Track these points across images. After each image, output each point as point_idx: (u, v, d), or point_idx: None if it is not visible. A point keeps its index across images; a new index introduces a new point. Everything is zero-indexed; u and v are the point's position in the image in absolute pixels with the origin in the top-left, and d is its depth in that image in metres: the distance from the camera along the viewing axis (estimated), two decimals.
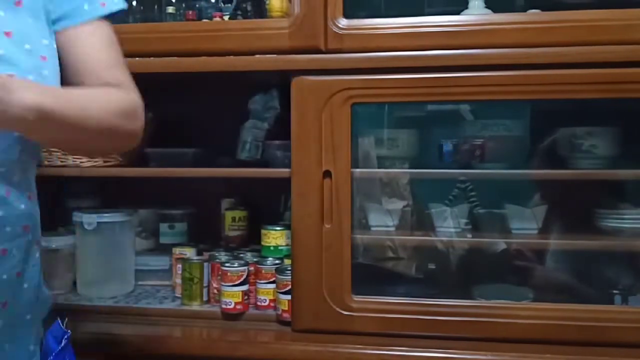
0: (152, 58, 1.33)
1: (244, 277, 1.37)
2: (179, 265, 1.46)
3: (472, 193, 1.49)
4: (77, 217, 1.47)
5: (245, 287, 1.37)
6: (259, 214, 1.59)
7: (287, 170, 1.30)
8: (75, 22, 0.90)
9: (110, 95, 0.86)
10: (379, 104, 1.42)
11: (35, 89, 0.74)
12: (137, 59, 1.34)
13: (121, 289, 1.50)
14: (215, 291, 1.42)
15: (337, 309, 1.27)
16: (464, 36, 1.23)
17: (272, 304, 1.37)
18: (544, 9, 1.26)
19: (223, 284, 1.37)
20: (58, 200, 1.68)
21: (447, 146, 1.43)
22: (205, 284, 1.43)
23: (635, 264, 1.40)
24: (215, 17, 1.40)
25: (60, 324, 0.92)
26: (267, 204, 1.58)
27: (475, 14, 1.29)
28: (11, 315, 0.84)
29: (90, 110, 0.81)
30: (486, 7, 1.30)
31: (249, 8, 1.41)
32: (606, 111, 1.35)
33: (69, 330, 0.94)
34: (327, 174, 1.27)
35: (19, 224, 0.84)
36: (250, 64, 1.30)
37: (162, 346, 1.28)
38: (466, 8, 1.32)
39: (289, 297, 1.31)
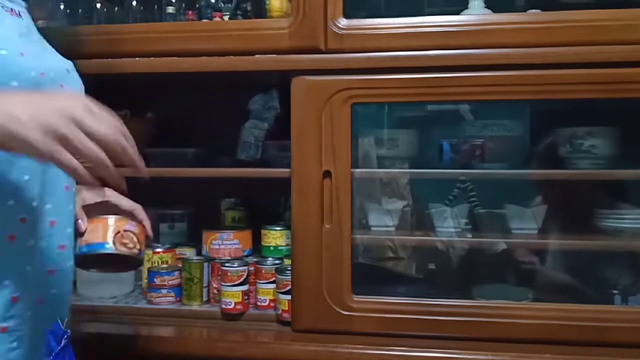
0: (152, 58, 1.33)
1: (244, 277, 1.37)
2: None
3: (472, 193, 1.49)
4: None
5: (245, 287, 1.37)
6: (259, 214, 1.59)
7: (287, 170, 1.30)
8: None
9: None
10: (379, 104, 1.42)
11: None
12: (137, 59, 1.34)
13: (121, 289, 1.50)
14: (215, 291, 1.42)
15: (337, 309, 1.27)
16: (463, 36, 1.23)
17: (272, 304, 1.37)
18: (544, 9, 1.26)
19: (223, 284, 1.37)
20: None
21: (447, 146, 1.43)
22: (205, 284, 1.43)
23: (635, 264, 1.40)
24: (215, 17, 1.40)
25: (60, 324, 0.92)
26: (267, 204, 1.58)
27: (475, 14, 1.29)
28: None
29: None
30: (486, 7, 1.31)
31: (248, 8, 1.41)
32: (606, 111, 1.35)
33: (69, 330, 0.94)
34: (327, 174, 1.27)
35: None
36: (250, 64, 1.30)
37: (162, 346, 1.28)
38: (466, 8, 1.32)
39: (289, 297, 1.31)
